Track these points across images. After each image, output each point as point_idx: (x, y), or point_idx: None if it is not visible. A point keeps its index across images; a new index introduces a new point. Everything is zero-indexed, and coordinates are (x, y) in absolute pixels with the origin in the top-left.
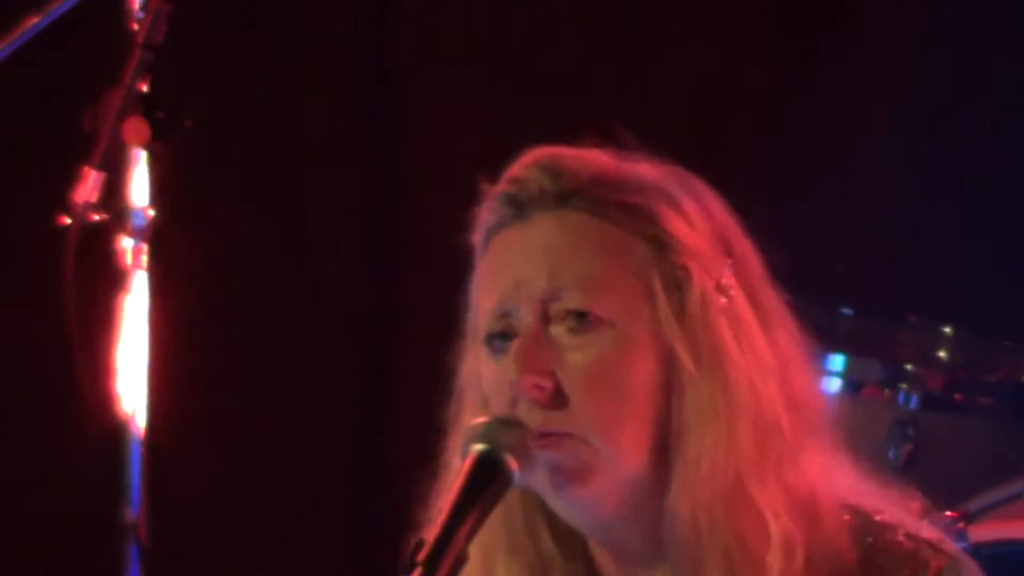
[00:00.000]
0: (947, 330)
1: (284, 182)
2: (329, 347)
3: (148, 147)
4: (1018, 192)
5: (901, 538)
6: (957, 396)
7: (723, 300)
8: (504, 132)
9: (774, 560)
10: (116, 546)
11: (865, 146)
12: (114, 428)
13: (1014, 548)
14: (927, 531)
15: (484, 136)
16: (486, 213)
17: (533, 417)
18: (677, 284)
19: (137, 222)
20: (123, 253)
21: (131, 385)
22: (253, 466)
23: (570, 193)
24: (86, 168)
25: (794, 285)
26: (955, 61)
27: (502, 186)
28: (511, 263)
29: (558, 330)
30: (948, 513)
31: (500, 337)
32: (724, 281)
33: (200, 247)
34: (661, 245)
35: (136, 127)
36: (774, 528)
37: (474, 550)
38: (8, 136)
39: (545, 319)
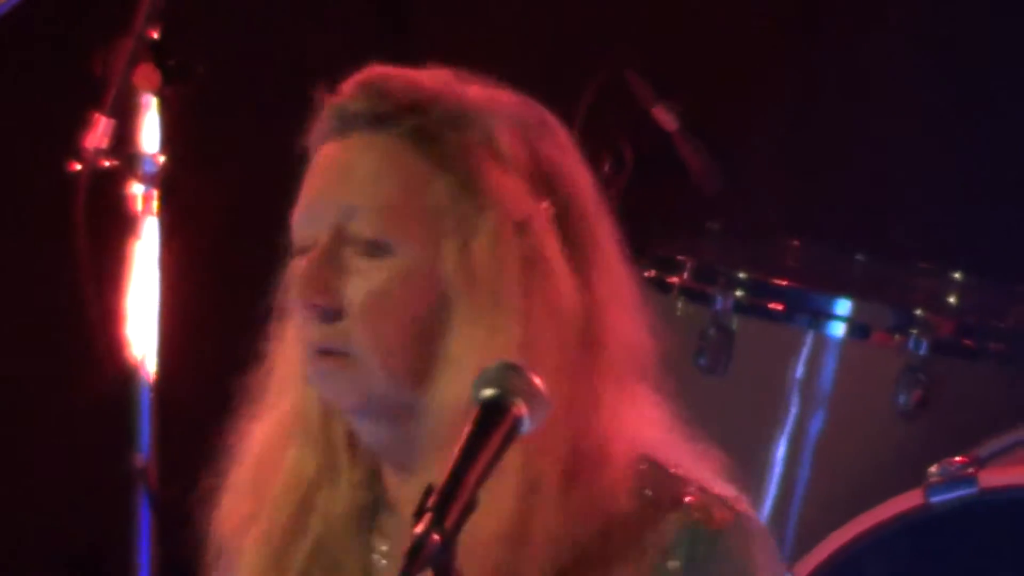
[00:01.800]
0: (957, 275)
1: (294, 129)
2: None
3: (159, 93)
4: None
5: (688, 491)
6: (967, 341)
7: (520, 242)
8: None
9: (513, 499)
10: (126, 491)
11: (879, 90)
12: (124, 374)
13: None
14: (722, 487)
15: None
16: (316, 124)
17: (312, 332)
18: (470, 224)
19: (147, 168)
20: (133, 199)
21: (141, 331)
22: None
23: (387, 117)
24: (97, 114)
25: (810, 230)
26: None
27: (332, 99)
28: (321, 179)
29: (350, 252)
30: (958, 459)
31: (302, 252)
32: (530, 223)
33: (210, 193)
34: (463, 183)
35: (147, 73)
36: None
37: (271, 430)
38: (20, 82)
39: (341, 239)
